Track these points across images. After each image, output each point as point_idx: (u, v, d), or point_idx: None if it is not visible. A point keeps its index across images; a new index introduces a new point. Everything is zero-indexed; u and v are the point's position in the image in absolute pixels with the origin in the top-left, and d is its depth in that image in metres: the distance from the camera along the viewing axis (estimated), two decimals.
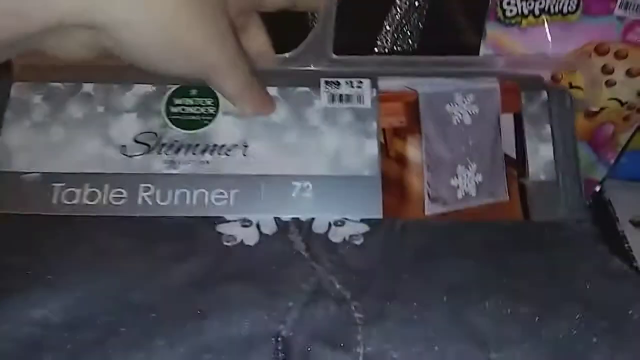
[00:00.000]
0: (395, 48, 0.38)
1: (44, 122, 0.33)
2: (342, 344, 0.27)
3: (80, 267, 0.29)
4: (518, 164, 0.34)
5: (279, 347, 0.27)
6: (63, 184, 0.32)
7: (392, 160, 0.34)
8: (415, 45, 0.41)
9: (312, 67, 0.35)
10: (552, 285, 0.30)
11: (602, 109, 0.37)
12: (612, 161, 0.39)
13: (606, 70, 0.36)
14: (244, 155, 0.33)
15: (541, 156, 0.34)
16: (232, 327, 0.28)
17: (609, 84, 0.36)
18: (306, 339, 0.28)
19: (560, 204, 0.33)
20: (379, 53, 0.37)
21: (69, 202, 0.31)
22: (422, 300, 0.29)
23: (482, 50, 0.36)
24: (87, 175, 0.32)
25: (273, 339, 0.27)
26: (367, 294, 0.29)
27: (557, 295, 0.29)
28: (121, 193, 0.32)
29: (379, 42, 0.38)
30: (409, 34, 0.40)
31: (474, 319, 0.28)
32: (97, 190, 0.32)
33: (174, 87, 0.35)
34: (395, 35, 0.39)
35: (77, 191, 0.32)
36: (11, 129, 0.33)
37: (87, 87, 0.34)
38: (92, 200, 0.32)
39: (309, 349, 0.27)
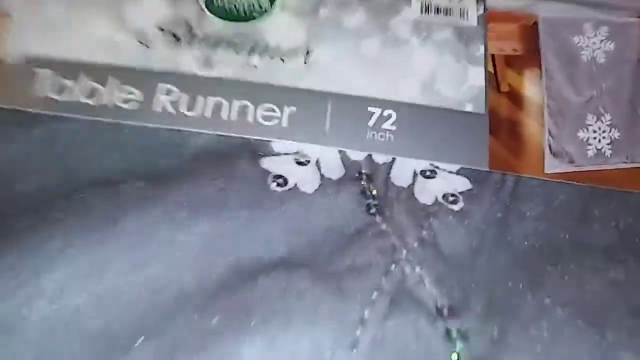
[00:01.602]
0: None
1: None
2: None
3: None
4: None
5: None
6: (53, 72, 0.22)
7: (503, 96, 0.25)
8: None
9: None
10: None
11: None
12: None
13: None
14: (306, 63, 0.24)
15: None
16: (280, 354, 0.18)
17: None
18: None
19: None
20: None
21: (56, 97, 0.22)
22: (553, 328, 0.20)
23: None
24: (86, 65, 0.23)
25: None
26: (471, 311, 0.20)
27: None
28: (133, 94, 0.22)
29: None
30: None
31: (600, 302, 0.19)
32: (98, 86, 0.22)
33: None
34: None
35: (70, 82, 0.22)
36: None
37: None
38: (90, 98, 0.22)
39: None
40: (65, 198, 0.19)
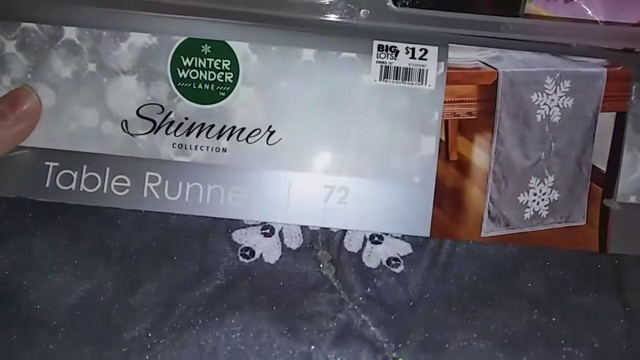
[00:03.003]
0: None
1: (25, 80, 0.27)
2: None
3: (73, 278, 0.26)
4: (606, 179, 0.27)
5: None
6: (57, 164, 0.27)
7: (451, 165, 0.27)
8: None
9: (362, 21, 0.27)
10: (630, 346, 0.26)
11: None
12: None
13: None
14: (269, 144, 0.27)
15: (638, 172, 0.27)
16: None
17: None
18: None
19: None
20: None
21: (64, 187, 0.27)
22: (474, 356, 0.25)
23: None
24: (85, 155, 0.27)
25: None
26: (407, 343, 0.25)
27: (636, 353, 0.25)
28: (125, 182, 0.27)
29: None
30: None
31: None
32: (96, 175, 0.27)
33: (181, 40, 0.27)
34: None
35: (74, 174, 0.27)
36: None
37: (70, 32, 0.27)
38: (90, 188, 0.27)
39: None
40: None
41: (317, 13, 0.26)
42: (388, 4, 0.26)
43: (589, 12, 0.24)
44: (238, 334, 0.25)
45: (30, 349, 0.24)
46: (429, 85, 0.26)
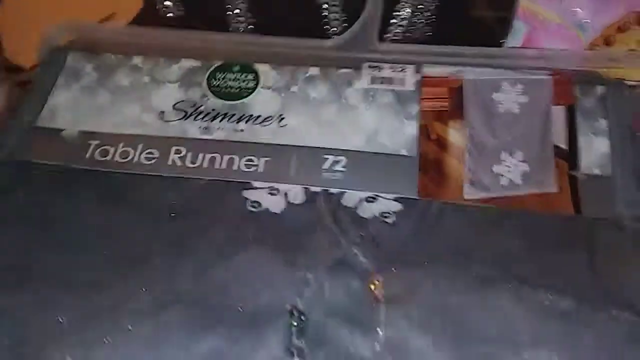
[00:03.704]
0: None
1: (90, 87, 0.34)
2: (361, 325, 0.25)
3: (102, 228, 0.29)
4: (569, 156, 0.31)
5: (294, 323, 0.25)
6: (98, 142, 0.32)
7: (432, 142, 0.32)
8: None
9: (356, 54, 0.35)
10: (599, 289, 0.26)
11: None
12: None
13: None
14: (279, 126, 0.32)
15: (595, 150, 0.31)
16: (247, 300, 0.26)
17: None
18: (324, 314, 0.25)
19: (616, 200, 0.30)
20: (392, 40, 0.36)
21: (102, 158, 0.31)
22: (451, 286, 0.26)
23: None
24: (123, 135, 0.32)
25: (288, 313, 0.25)
26: (392, 271, 0.27)
27: (606, 298, 0.25)
28: (153, 154, 0.31)
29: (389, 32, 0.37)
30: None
31: (508, 311, 0.25)
32: (130, 150, 0.32)
33: (218, 63, 0.35)
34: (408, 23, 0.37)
35: (111, 149, 0.32)
36: (60, 91, 0.34)
37: (137, 60, 0.35)
38: (124, 159, 0.31)
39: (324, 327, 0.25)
40: None
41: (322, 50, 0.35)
42: (374, 40, 0.35)
43: (577, 10, 0.32)
44: (246, 265, 0.26)
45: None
46: (409, 88, 0.33)
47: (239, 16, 0.36)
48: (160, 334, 0.25)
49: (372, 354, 0.24)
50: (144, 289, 0.26)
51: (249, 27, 0.36)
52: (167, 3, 0.36)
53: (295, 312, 0.25)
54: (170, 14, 0.37)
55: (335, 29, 0.36)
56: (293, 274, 0.26)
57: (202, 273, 0.27)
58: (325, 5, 0.36)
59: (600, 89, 0.32)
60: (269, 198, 0.30)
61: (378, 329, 0.25)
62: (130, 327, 0.24)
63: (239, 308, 0.25)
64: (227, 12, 0.36)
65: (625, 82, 0.33)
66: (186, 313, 0.25)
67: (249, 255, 0.27)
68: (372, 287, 0.26)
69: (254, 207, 0.29)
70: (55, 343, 0.24)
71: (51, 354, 0.24)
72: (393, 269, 0.26)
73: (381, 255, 0.27)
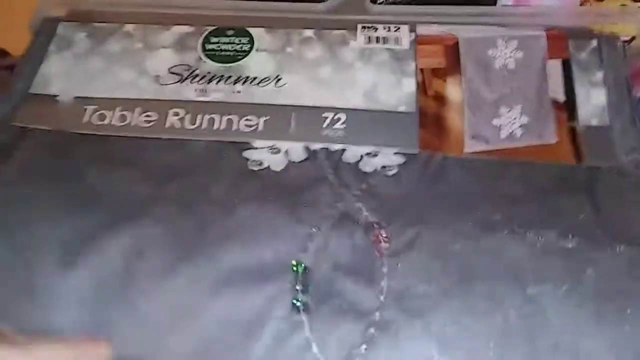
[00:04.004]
0: None
1: (83, 54, 0.34)
2: (365, 277, 0.25)
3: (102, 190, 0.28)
4: (567, 108, 0.31)
5: (299, 278, 0.25)
6: (95, 106, 0.32)
7: (430, 98, 0.32)
8: None
9: (349, 17, 0.35)
10: (602, 228, 0.26)
11: (632, 39, 0.34)
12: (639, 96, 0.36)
13: None
14: (276, 86, 0.32)
15: (592, 101, 0.31)
16: (251, 256, 0.26)
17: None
18: (328, 269, 0.25)
19: (615, 148, 0.30)
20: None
21: (99, 123, 0.31)
22: (454, 233, 0.26)
23: None
24: (119, 100, 0.32)
25: (293, 267, 0.25)
26: (396, 223, 0.26)
27: (609, 236, 0.26)
28: (151, 117, 0.31)
29: None
30: None
31: (511, 252, 0.25)
32: (127, 113, 0.31)
33: (211, 28, 0.35)
34: None
35: (108, 113, 0.31)
36: (53, 59, 0.34)
37: (129, 27, 0.35)
38: (121, 122, 0.31)
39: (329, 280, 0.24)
40: None
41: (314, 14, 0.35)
42: (366, 2, 0.35)
43: None
44: (248, 221, 0.26)
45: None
46: (404, 46, 0.33)
47: None
48: (168, 296, 0.24)
49: (376, 305, 0.24)
50: (145, 249, 0.25)
51: None
52: None
53: (299, 268, 0.25)
54: None
55: None
56: (296, 230, 0.26)
57: (204, 230, 0.26)
58: None
59: (594, 43, 0.32)
60: (270, 157, 0.29)
61: (382, 280, 0.24)
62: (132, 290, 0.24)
63: (244, 266, 0.25)
64: None
65: (619, 36, 0.33)
66: (191, 273, 0.25)
67: (251, 212, 0.27)
68: (376, 240, 0.26)
69: (255, 166, 0.29)
70: None
71: None
72: (396, 221, 0.26)
73: (384, 208, 0.27)
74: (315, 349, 0.23)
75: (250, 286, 0.24)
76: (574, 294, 0.23)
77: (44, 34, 0.34)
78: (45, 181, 0.28)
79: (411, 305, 0.24)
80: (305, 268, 0.25)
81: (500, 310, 0.23)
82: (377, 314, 0.24)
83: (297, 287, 0.24)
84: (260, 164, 0.29)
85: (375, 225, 0.26)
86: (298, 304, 0.24)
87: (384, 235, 0.26)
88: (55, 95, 0.32)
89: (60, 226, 0.26)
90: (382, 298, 0.24)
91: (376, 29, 0.34)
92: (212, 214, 0.27)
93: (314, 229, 0.26)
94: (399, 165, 0.29)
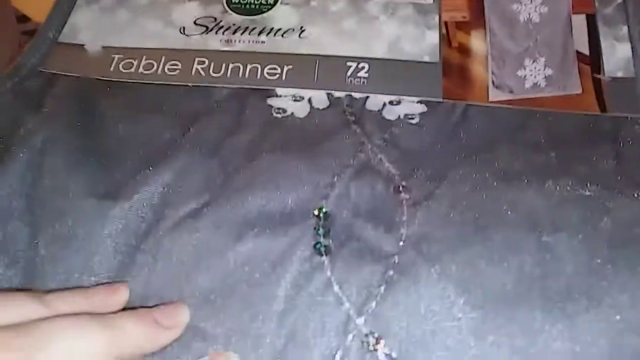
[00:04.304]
0: None
1: (110, 7, 0.34)
2: (385, 223, 0.25)
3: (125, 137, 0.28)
4: (592, 61, 0.31)
5: (320, 223, 0.25)
6: (122, 55, 0.32)
7: (454, 50, 0.32)
8: None
9: None
10: (623, 175, 0.26)
11: None
12: None
13: None
14: (300, 37, 0.32)
15: (618, 54, 0.31)
16: (274, 202, 0.26)
17: None
18: (349, 215, 0.25)
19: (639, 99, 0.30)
20: None
21: (126, 70, 0.31)
22: (473, 185, 0.26)
23: None
24: (145, 49, 0.32)
25: (315, 212, 0.25)
26: (416, 175, 0.26)
27: (628, 184, 0.25)
28: (176, 65, 0.31)
29: None
30: None
31: (528, 201, 0.25)
32: (153, 62, 0.32)
33: None
34: None
35: (135, 62, 0.32)
36: (80, 10, 0.34)
37: None
38: (147, 70, 0.31)
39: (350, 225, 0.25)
40: None
41: None
42: None
43: None
44: (272, 168, 0.26)
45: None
46: (429, 1, 0.33)
47: None
48: (194, 236, 0.24)
49: (396, 249, 0.24)
50: (172, 195, 0.26)
51: None
52: None
53: (321, 214, 0.25)
54: None
55: None
56: (318, 178, 0.26)
57: (230, 176, 0.26)
58: None
59: None
60: (293, 104, 0.30)
61: (401, 228, 0.24)
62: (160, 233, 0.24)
63: (268, 211, 0.25)
64: None
65: None
66: (217, 216, 0.25)
67: (274, 159, 0.27)
68: (396, 191, 0.26)
69: (278, 113, 0.29)
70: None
71: None
72: (417, 174, 0.26)
73: (405, 160, 0.27)
74: (336, 288, 0.23)
75: (274, 229, 0.25)
76: (589, 242, 0.23)
77: None
78: (74, 128, 0.28)
79: (429, 250, 0.23)
80: (326, 213, 0.25)
81: (516, 256, 0.23)
82: (396, 257, 0.24)
83: (319, 231, 0.24)
84: (284, 111, 0.29)
85: (396, 178, 0.26)
86: (320, 246, 0.24)
87: (404, 186, 0.26)
88: (83, 44, 0.32)
89: (92, 174, 0.26)
90: (401, 244, 0.24)
91: None
92: (237, 161, 0.27)
93: (335, 177, 0.26)
94: (422, 114, 0.29)
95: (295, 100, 0.30)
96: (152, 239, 0.23)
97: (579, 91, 0.30)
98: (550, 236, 0.23)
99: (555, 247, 0.22)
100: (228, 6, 0.33)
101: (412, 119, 0.29)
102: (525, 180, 0.25)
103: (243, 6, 0.33)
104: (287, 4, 0.33)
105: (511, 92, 0.30)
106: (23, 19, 0.47)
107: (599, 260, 0.21)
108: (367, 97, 0.30)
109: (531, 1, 0.32)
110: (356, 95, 0.30)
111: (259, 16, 0.33)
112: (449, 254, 0.22)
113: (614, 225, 0.23)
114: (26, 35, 0.48)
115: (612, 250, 0.22)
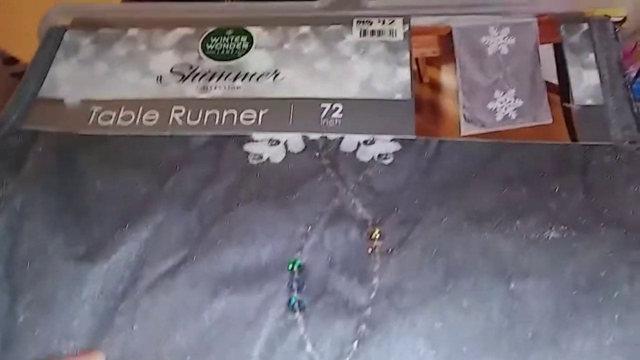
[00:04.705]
0: None
1: (89, 59, 0.35)
2: (358, 274, 0.25)
3: (104, 189, 0.29)
4: (561, 90, 0.32)
5: (294, 277, 0.25)
6: (100, 108, 0.32)
7: (425, 85, 0.32)
8: None
9: (345, 13, 0.36)
10: (590, 210, 0.26)
11: (624, 19, 0.34)
12: (634, 74, 0.36)
13: None
14: (274, 80, 0.33)
15: (586, 82, 0.32)
16: (249, 255, 0.25)
17: None
18: (323, 266, 0.25)
19: (610, 125, 0.30)
20: None
21: (104, 123, 0.32)
22: (445, 228, 0.26)
23: None
24: (123, 100, 0.33)
25: (289, 266, 0.25)
26: (389, 219, 0.26)
27: (595, 220, 0.25)
28: (154, 115, 0.32)
29: None
30: None
31: (498, 246, 0.25)
32: (131, 113, 0.32)
33: (211, 29, 0.36)
34: None
35: (113, 114, 0.32)
36: (59, 65, 0.35)
37: (132, 32, 0.36)
38: (126, 121, 0.32)
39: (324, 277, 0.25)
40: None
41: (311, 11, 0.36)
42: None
43: None
44: (247, 219, 0.27)
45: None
46: (399, 38, 0.34)
47: None
48: (171, 295, 0.24)
49: (368, 301, 0.24)
50: (149, 252, 0.26)
51: None
52: None
53: (295, 267, 0.25)
54: None
55: None
56: (293, 228, 0.26)
57: (206, 229, 0.27)
58: None
59: (585, 26, 0.33)
60: (270, 149, 0.30)
61: (374, 277, 0.25)
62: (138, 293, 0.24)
63: (243, 265, 0.25)
64: None
65: (609, 18, 0.33)
66: (193, 273, 0.25)
67: (250, 210, 0.27)
68: (370, 237, 0.26)
69: (255, 159, 0.29)
70: None
71: None
72: (390, 218, 0.26)
73: (379, 203, 0.27)
74: (309, 347, 0.23)
75: (248, 286, 0.25)
76: (555, 288, 0.23)
77: (51, 41, 0.35)
78: (53, 188, 0.28)
79: (400, 302, 0.24)
80: (300, 266, 0.25)
81: (484, 305, 0.23)
82: (369, 309, 0.24)
83: (293, 286, 0.25)
84: (261, 157, 0.30)
85: (369, 223, 0.26)
86: (294, 301, 0.24)
87: (378, 232, 0.26)
88: (63, 99, 0.33)
89: (70, 235, 0.26)
90: (373, 295, 0.24)
91: (371, 23, 0.34)
92: (214, 212, 0.27)
93: (310, 227, 0.26)
94: (395, 153, 0.29)
95: (271, 145, 0.30)
96: (130, 299, 0.23)
97: (550, 121, 0.30)
98: (518, 283, 0.23)
99: (522, 295, 0.22)
100: (204, 52, 0.34)
101: (386, 158, 0.29)
102: (496, 223, 0.25)
103: (218, 52, 0.34)
104: (261, 47, 0.34)
105: (483, 125, 0.30)
106: (11, 60, 0.48)
107: (564, 307, 0.21)
108: (342, 137, 0.30)
109: (499, 33, 0.33)
110: (331, 136, 0.30)
111: (234, 61, 0.33)
112: (419, 306, 0.22)
113: (579, 269, 0.23)
114: (15, 77, 0.49)
115: (577, 296, 0.22)
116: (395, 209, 0.27)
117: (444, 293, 0.23)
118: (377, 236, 0.25)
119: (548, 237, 0.24)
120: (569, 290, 0.22)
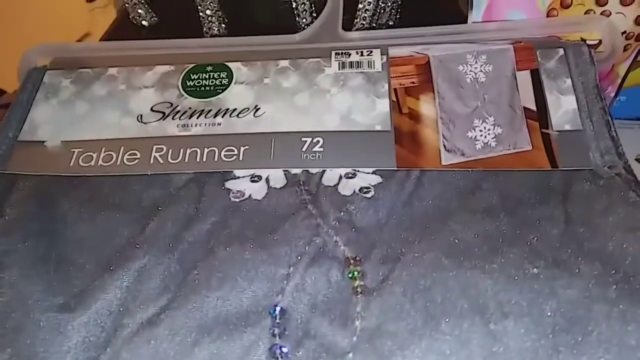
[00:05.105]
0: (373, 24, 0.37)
1: (69, 100, 0.35)
2: (340, 316, 0.24)
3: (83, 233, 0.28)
4: (540, 116, 0.32)
5: (277, 321, 0.25)
6: (81, 149, 0.32)
7: (405, 116, 0.32)
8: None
9: (323, 45, 0.36)
10: (570, 241, 0.26)
11: (599, 43, 0.35)
12: (612, 94, 0.36)
13: (600, 2, 0.34)
14: (255, 116, 0.33)
15: (564, 107, 0.32)
16: (230, 301, 0.25)
17: (604, 15, 0.35)
18: (305, 309, 0.25)
19: (590, 149, 0.30)
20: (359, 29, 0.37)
21: (85, 164, 0.32)
22: (426, 266, 0.25)
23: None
24: (104, 140, 0.33)
25: (271, 311, 0.25)
26: (371, 256, 0.26)
27: (575, 253, 0.25)
28: (135, 154, 0.32)
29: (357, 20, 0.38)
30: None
31: (478, 284, 0.24)
32: (112, 153, 0.32)
33: (191, 66, 0.36)
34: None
35: (94, 154, 0.32)
36: (39, 106, 0.35)
37: (112, 71, 0.36)
38: (107, 162, 0.32)
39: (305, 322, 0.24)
40: None
41: (289, 45, 0.36)
42: (339, 30, 0.36)
43: None
44: (228, 262, 0.26)
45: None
46: (377, 69, 0.34)
47: (211, 17, 0.37)
48: (152, 345, 0.24)
49: (350, 346, 0.23)
50: (130, 300, 0.25)
51: (222, 27, 0.37)
52: (140, 12, 0.37)
53: (276, 312, 0.25)
54: (144, 22, 0.38)
55: (305, 19, 0.36)
56: (274, 270, 0.26)
57: (187, 274, 0.26)
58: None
59: (560, 51, 0.33)
60: (251, 185, 0.30)
61: (356, 320, 0.24)
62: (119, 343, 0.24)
63: (224, 312, 0.25)
64: (199, 14, 0.37)
65: (585, 42, 0.34)
66: (174, 322, 0.24)
67: (232, 250, 0.27)
68: (351, 277, 0.26)
69: (236, 197, 0.29)
70: None
71: None
72: (371, 256, 0.26)
73: (361, 239, 0.27)
74: None
75: (230, 333, 0.24)
76: (535, 328, 0.23)
77: (31, 83, 0.35)
78: (33, 236, 0.28)
79: (382, 346, 0.23)
80: (282, 310, 0.25)
81: (465, 348, 0.22)
82: (350, 355, 0.23)
83: (275, 332, 0.24)
84: (242, 194, 0.29)
85: (351, 261, 0.26)
86: (275, 348, 0.24)
87: (359, 271, 0.26)
88: (44, 141, 0.32)
89: (50, 284, 0.26)
90: (354, 339, 0.24)
91: (349, 55, 0.34)
92: (195, 255, 0.27)
93: (291, 268, 0.26)
94: (376, 186, 0.29)
95: (253, 181, 0.30)
96: (111, 350, 0.23)
97: (529, 148, 0.30)
98: (498, 323, 0.23)
99: (503, 336, 0.22)
100: (183, 90, 0.34)
101: (368, 192, 0.29)
102: (476, 259, 0.25)
103: (198, 89, 0.34)
104: (241, 83, 0.34)
105: (463, 154, 0.30)
106: None
107: (544, 348, 0.21)
108: (324, 171, 0.30)
109: (476, 61, 0.33)
110: (312, 170, 0.30)
111: (214, 98, 0.33)
112: (400, 349, 0.22)
113: (558, 308, 0.23)
114: (2, 109, 0.48)
115: (556, 336, 0.22)
116: (377, 244, 0.26)
117: (425, 336, 0.22)
118: (359, 275, 0.25)
119: (528, 273, 0.24)
120: (549, 330, 0.22)
